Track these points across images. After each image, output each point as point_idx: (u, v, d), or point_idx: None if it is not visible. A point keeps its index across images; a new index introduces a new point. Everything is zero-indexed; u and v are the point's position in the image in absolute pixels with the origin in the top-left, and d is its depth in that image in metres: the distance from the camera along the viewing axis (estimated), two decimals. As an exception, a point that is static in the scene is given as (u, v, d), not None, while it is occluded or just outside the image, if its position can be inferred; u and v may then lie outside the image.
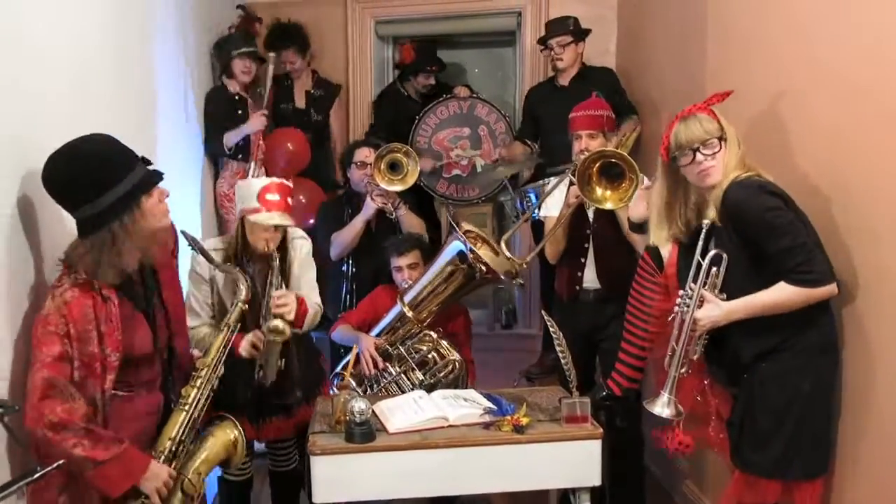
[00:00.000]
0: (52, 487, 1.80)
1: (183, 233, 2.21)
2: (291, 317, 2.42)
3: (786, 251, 1.90)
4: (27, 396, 1.75)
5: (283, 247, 2.58)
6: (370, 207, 3.21)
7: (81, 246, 1.86)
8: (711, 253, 2.01)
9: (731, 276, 2.02)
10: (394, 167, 3.23)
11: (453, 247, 2.81)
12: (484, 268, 2.75)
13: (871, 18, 1.92)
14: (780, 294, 1.92)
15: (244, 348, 2.44)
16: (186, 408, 2.00)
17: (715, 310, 1.99)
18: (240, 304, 2.23)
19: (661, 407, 2.06)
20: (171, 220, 2.04)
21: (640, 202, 2.46)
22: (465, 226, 2.80)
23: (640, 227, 2.46)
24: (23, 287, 1.93)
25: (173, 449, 1.95)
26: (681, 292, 2.05)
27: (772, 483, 2.02)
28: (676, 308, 2.05)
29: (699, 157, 2.02)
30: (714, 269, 2.01)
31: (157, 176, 1.93)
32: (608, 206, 2.65)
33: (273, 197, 2.44)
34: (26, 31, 2.00)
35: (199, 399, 2.03)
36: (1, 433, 1.77)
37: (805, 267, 1.89)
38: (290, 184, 2.58)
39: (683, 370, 2.06)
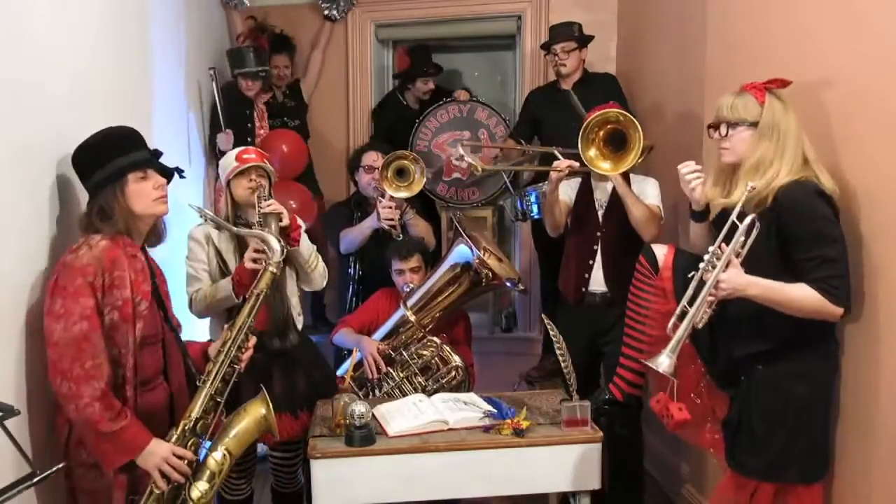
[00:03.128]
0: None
1: (191, 205, 2.25)
2: (284, 219, 2.47)
3: (823, 260, 1.87)
4: (54, 348, 1.82)
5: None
6: (378, 221, 3.20)
7: (90, 204, 1.99)
8: (749, 218, 1.92)
9: (751, 271, 1.96)
10: (400, 173, 3.23)
11: (459, 251, 2.81)
12: (490, 273, 2.75)
13: (872, 18, 1.93)
14: (801, 293, 1.87)
15: (247, 259, 2.44)
16: (208, 384, 1.99)
17: (739, 277, 1.91)
18: (270, 268, 2.14)
19: (664, 357, 1.94)
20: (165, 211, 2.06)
21: (690, 187, 2.19)
22: (472, 231, 2.80)
23: (702, 214, 2.21)
24: (22, 290, 1.93)
25: (188, 427, 1.94)
26: (711, 249, 1.95)
27: (763, 485, 2.01)
28: (701, 265, 1.96)
29: (713, 133, 2.05)
30: (742, 238, 1.93)
31: (149, 161, 2.02)
32: (604, 168, 2.69)
33: (249, 155, 2.62)
34: (26, 31, 2.00)
35: (219, 373, 2.00)
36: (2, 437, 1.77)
37: (836, 282, 1.86)
38: (266, 154, 2.73)
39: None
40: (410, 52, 4.55)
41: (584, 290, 2.92)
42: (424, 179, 3.26)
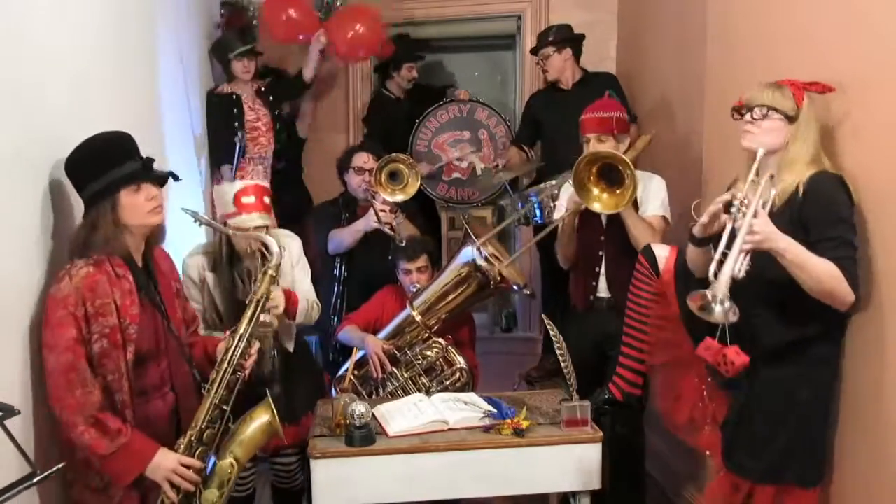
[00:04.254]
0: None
1: (184, 209, 2.21)
2: (279, 311, 2.46)
3: (844, 242, 1.88)
4: (49, 378, 1.84)
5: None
6: (373, 223, 3.15)
7: (81, 222, 1.98)
8: (770, 174, 1.93)
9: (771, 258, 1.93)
10: (393, 176, 3.21)
11: (468, 254, 2.80)
12: (499, 276, 2.75)
13: (873, 18, 1.92)
14: (824, 263, 1.85)
15: None
16: (212, 393, 2.00)
17: (769, 224, 1.86)
18: (270, 272, 2.16)
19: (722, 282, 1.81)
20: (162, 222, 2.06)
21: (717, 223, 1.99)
22: (479, 232, 2.79)
23: (703, 241, 2.05)
24: (25, 291, 1.93)
25: (195, 436, 1.96)
26: (739, 196, 1.88)
27: (762, 487, 2.01)
28: (731, 213, 1.88)
29: (747, 116, 2.02)
30: (762, 200, 1.90)
31: (143, 174, 1.99)
32: (605, 210, 2.60)
33: (248, 199, 2.49)
34: (26, 31, 2.00)
35: (222, 382, 2.01)
36: (1, 437, 1.77)
37: (853, 266, 1.87)
38: (266, 184, 2.64)
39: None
40: (395, 39, 4.52)
41: (591, 297, 2.87)
42: (419, 182, 3.24)
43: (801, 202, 1.94)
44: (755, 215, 1.85)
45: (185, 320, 2.22)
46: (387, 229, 3.13)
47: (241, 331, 2.08)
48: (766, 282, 1.94)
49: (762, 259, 1.92)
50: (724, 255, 1.85)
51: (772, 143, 1.99)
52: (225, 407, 2.02)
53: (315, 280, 2.86)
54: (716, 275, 1.86)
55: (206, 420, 1.98)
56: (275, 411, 2.06)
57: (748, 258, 1.85)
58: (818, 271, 1.85)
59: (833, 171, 1.97)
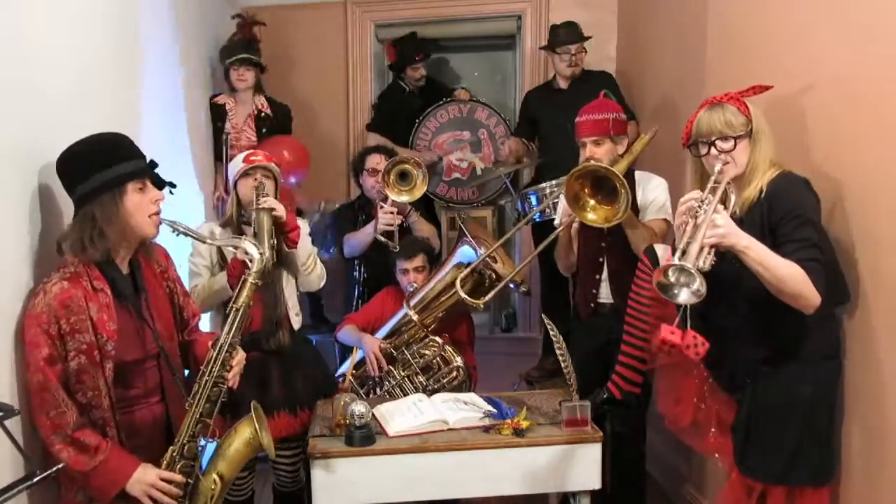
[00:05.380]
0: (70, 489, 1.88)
1: (164, 220, 2.07)
2: (279, 213, 2.51)
3: (811, 244, 1.86)
4: (30, 392, 1.83)
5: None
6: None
7: (70, 225, 1.92)
8: (717, 166, 1.95)
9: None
10: (403, 176, 3.23)
11: (463, 252, 2.81)
12: (494, 274, 2.74)
13: (872, 18, 1.92)
14: (789, 265, 1.83)
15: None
16: (194, 406, 1.97)
17: (731, 222, 1.86)
18: (250, 279, 2.07)
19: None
20: (156, 232, 2.01)
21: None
22: (476, 232, 2.79)
23: None
24: (22, 290, 1.92)
25: (176, 452, 1.93)
26: (699, 193, 1.92)
27: (774, 489, 2.00)
28: (694, 210, 1.88)
29: (713, 151, 2.00)
30: (721, 205, 1.91)
31: (150, 173, 1.96)
32: (597, 224, 2.44)
33: (256, 157, 2.68)
34: (26, 32, 2.00)
35: (203, 395, 1.97)
36: (2, 436, 1.77)
37: (819, 268, 1.85)
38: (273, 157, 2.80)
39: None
40: (396, 43, 4.52)
41: (593, 304, 2.81)
42: (426, 185, 3.26)
43: (766, 205, 1.94)
44: (716, 211, 1.85)
45: (184, 320, 2.18)
46: (382, 235, 3.16)
47: (222, 340, 2.01)
48: (754, 288, 1.93)
49: (741, 276, 1.92)
50: (688, 244, 1.84)
51: (744, 162, 2.00)
52: (208, 420, 1.98)
53: (336, 282, 2.91)
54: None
55: (189, 434, 1.95)
56: (258, 425, 2.01)
57: (712, 253, 1.84)
58: (782, 272, 1.83)
59: (795, 173, 1.96)
